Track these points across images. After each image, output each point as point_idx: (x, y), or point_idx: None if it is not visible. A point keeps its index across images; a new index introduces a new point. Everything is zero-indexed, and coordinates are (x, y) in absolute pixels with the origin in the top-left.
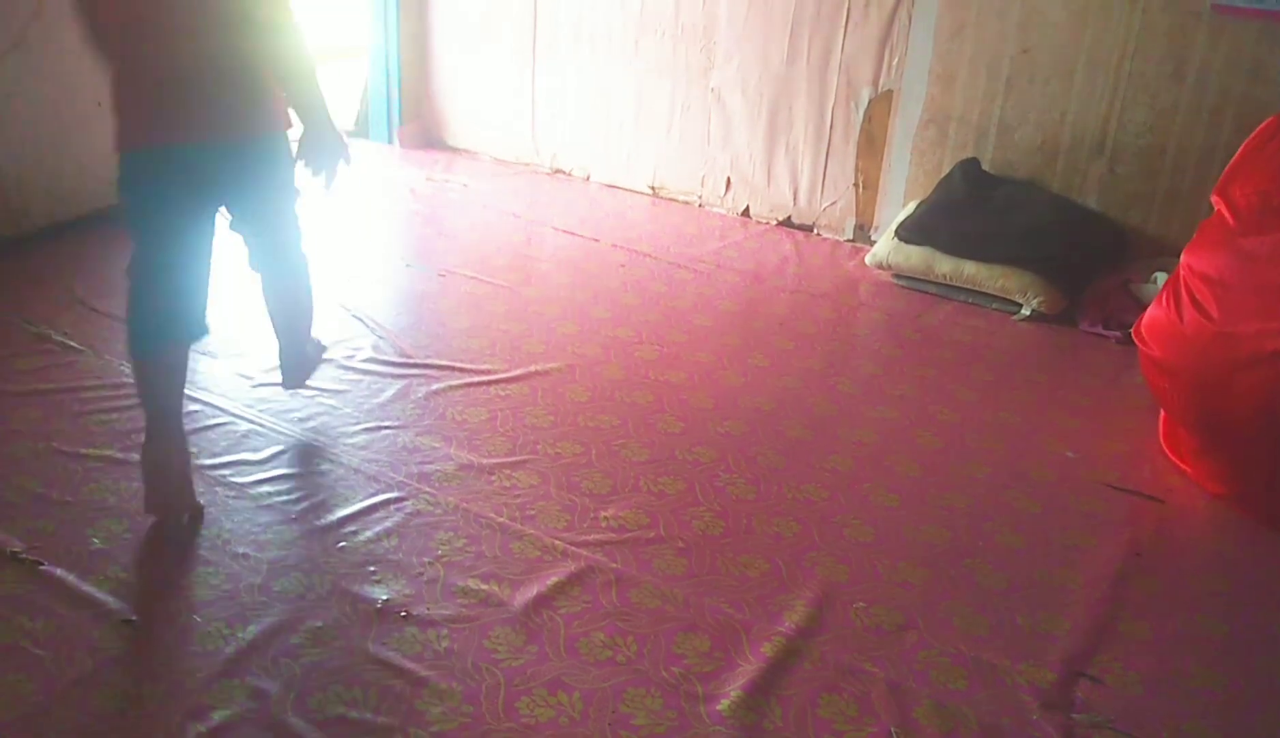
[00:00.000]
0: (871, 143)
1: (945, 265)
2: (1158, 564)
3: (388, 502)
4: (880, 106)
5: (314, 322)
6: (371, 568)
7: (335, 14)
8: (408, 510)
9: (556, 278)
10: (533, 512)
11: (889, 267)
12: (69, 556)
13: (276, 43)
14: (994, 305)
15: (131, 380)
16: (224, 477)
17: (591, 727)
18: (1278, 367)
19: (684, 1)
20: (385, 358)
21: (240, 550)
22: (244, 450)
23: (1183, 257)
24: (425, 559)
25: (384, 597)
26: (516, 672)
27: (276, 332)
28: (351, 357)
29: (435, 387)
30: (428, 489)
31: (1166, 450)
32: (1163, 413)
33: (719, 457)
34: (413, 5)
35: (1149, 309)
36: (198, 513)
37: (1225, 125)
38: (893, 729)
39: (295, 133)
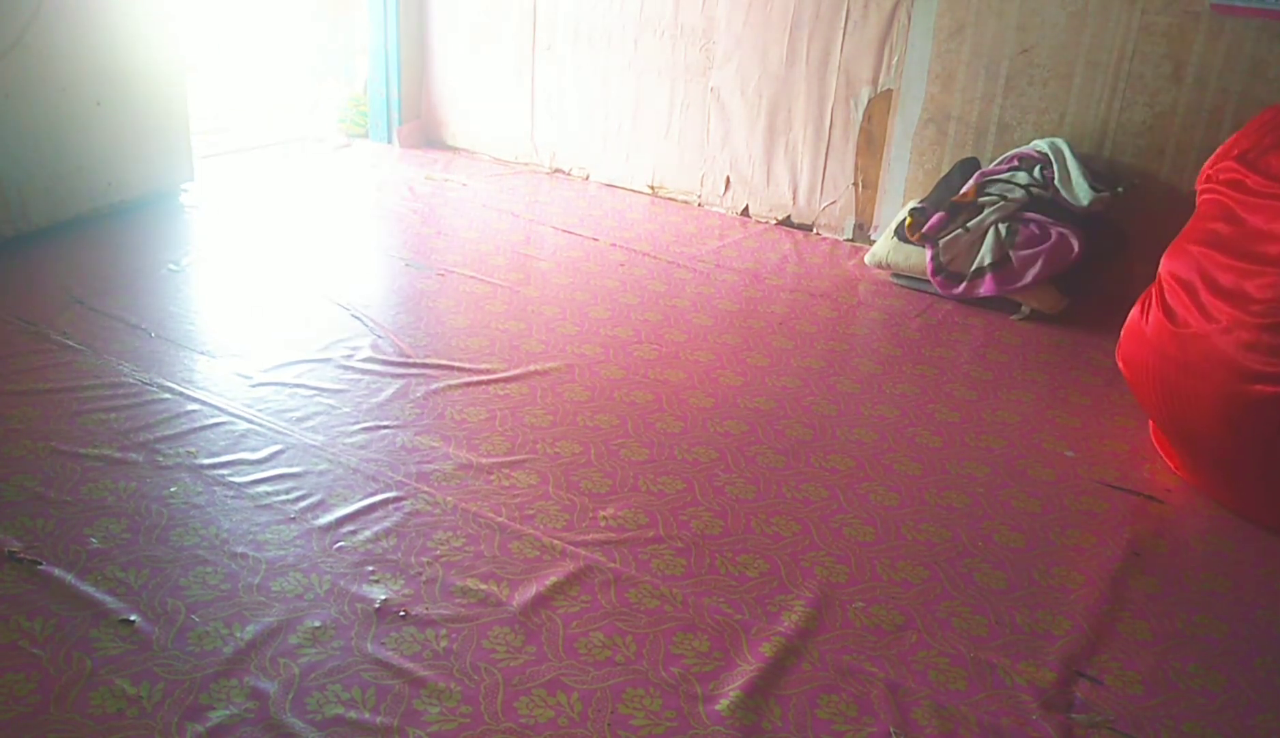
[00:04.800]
0: (871, 142)
1: None
2: (1157, 564)
3: (386, 501)
4: (880, 106)
5: None
6: (370, 568)
7: (335, 13)
8: (406, 510)
9: (556, 277)
10: (531, 511)
11: (888, 266)
12: (67, 555)
13: None
14: (993, 305)
15: (131, 380)
16: (222, 476)
17: (590, 727)
18: (1230, 371)
19: (683, 1)
20: (384, 357)
21: (238, 550)
22: (242, 450)
23: (1162, 262)
24: (424, 559)
25: (382, 597)
26: (515, 672)
27: None
28: (350, 356)
29: (434, 386)
30: (426, 489)
31: (1157, 448)
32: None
33: (718, 456)
34: (412, 5)
35: (1131, 312)
36: None
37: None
38: (892, 729)
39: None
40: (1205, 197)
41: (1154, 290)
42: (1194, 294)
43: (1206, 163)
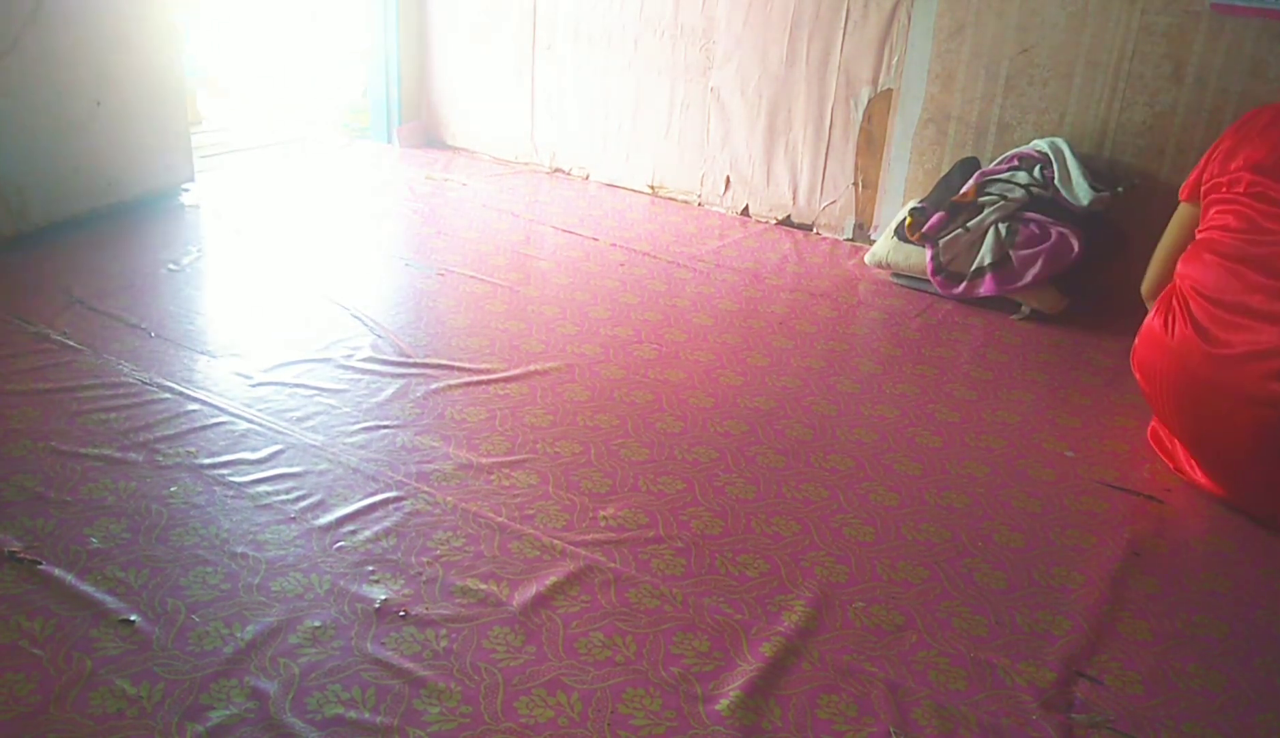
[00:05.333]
0: (871, 142)
1: None
2: (1158, 564)
3: (386, 501)
4: (880, 106)
5: None
6: (370, 568)
7: (335, 13)
8: (406, 510)
9: (556, 277)
10: (531, 511)
11: (888, 266)
12: (67, 555)
13: None
14: (993, 305)
15: (131, 380)
16: (222, 476)
17: (590, 727)
18: (1265, 399)
19: (683, 1)
20: (384, 357)
21: (238, 550)
22: (242, 450)
23: (1179, 266)
24: (424, 559)
25: (382, 596)
26: (515, 672)
27: None
28: (350, 356)
29: (434, 386)
30: (426, 489)
31: (1155, 449)
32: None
33: (718, 456)
34: (412, 5)
35: (1147, 319)
36: None
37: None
38: (892, 729)
39: None
40: (1225, 207)
41: (1175, 301)
42: (1225, 312)
43: (1198, 171)
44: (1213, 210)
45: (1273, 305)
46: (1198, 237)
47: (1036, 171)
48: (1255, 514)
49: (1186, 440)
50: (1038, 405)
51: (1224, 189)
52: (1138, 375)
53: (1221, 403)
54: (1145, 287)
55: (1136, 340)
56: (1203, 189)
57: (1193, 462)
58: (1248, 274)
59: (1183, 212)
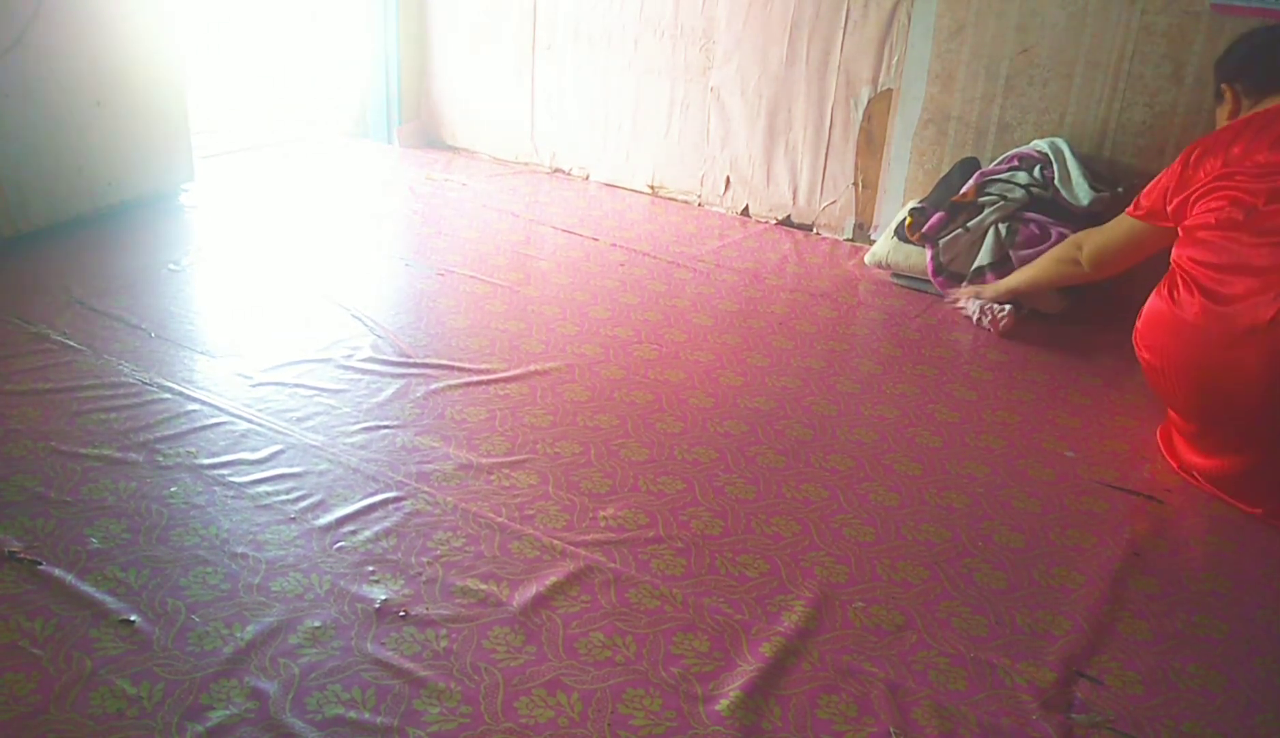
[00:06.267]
0: (871, 142)
1: None
2: (1158, 564)
3: (386, 501)
4: (879, 106)
5: None
6: (370, 568)
7: (335, 13)
8: (406, 510)
9: (556, 277)
10: (531, 511)
11: (888, 266)
12: (67, 555)
13: None
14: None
15: (131, 380)
16: (222, 476)
17: (590, 727)
18: (1275, 332)
19: (683, 1)
20: (384, 357)
21: (238, 550)
22: (242, 450)
23: (1174, 250)
24: (424, 559)
25: (382, 597)
26: (515, 672)
27: None
28: (350, 356)
29: (434, 386)
30: (426, 489)
31: (1162, 449)
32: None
33: (718, 456)
34: (412, 5)
35: (1148, 302)
36: None
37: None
38: (892, 730)
39: None
40: (1206, 199)
41: (1179, 279)
42: (1230, 274)
43: (1157, 198)
44: (1196, 208)
45: (1274, 257)
46: (1187, 225)
47: (1036, 172)
48: (1263, 491)
49: (1199, 415)
50: (1038, 405)
51: (1199, 190)
52: (1146, 357)
53: (1233, 354)
54: (1087, 253)
55: (1139, 323)
56: (1170, 208)
57: (1198, 457)
58: (1243, 237)
59: (1133, 225)
